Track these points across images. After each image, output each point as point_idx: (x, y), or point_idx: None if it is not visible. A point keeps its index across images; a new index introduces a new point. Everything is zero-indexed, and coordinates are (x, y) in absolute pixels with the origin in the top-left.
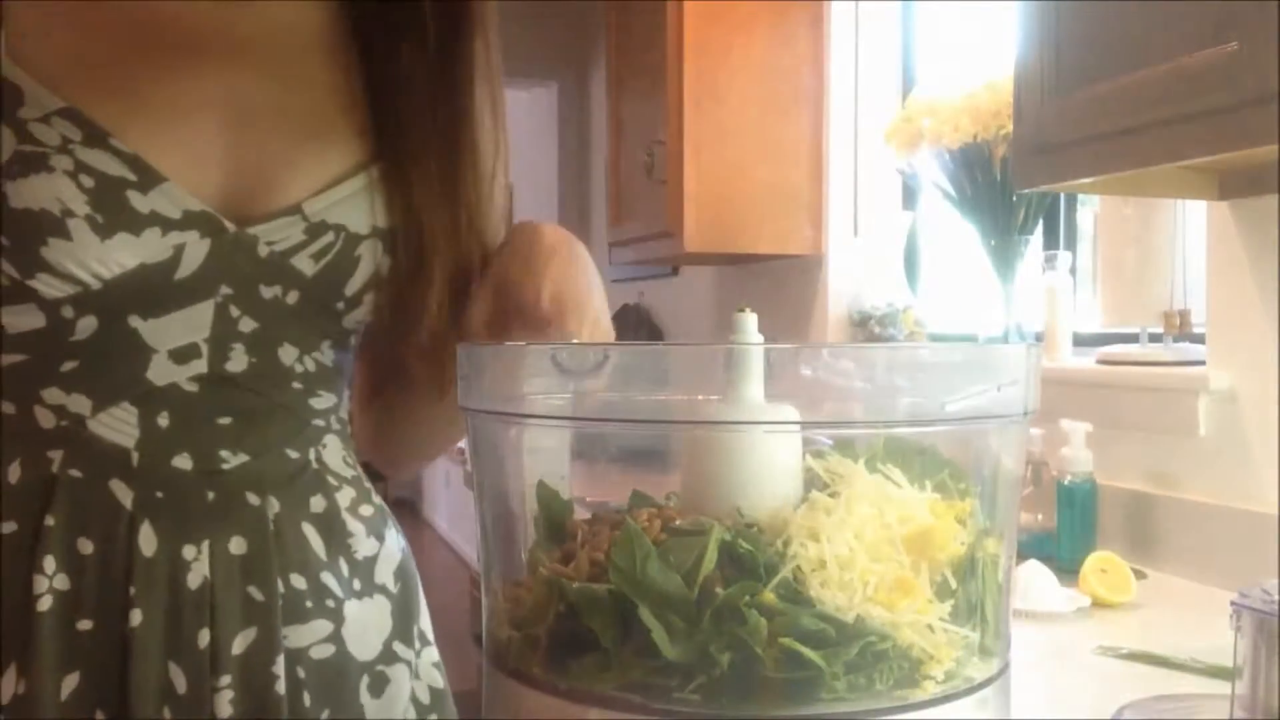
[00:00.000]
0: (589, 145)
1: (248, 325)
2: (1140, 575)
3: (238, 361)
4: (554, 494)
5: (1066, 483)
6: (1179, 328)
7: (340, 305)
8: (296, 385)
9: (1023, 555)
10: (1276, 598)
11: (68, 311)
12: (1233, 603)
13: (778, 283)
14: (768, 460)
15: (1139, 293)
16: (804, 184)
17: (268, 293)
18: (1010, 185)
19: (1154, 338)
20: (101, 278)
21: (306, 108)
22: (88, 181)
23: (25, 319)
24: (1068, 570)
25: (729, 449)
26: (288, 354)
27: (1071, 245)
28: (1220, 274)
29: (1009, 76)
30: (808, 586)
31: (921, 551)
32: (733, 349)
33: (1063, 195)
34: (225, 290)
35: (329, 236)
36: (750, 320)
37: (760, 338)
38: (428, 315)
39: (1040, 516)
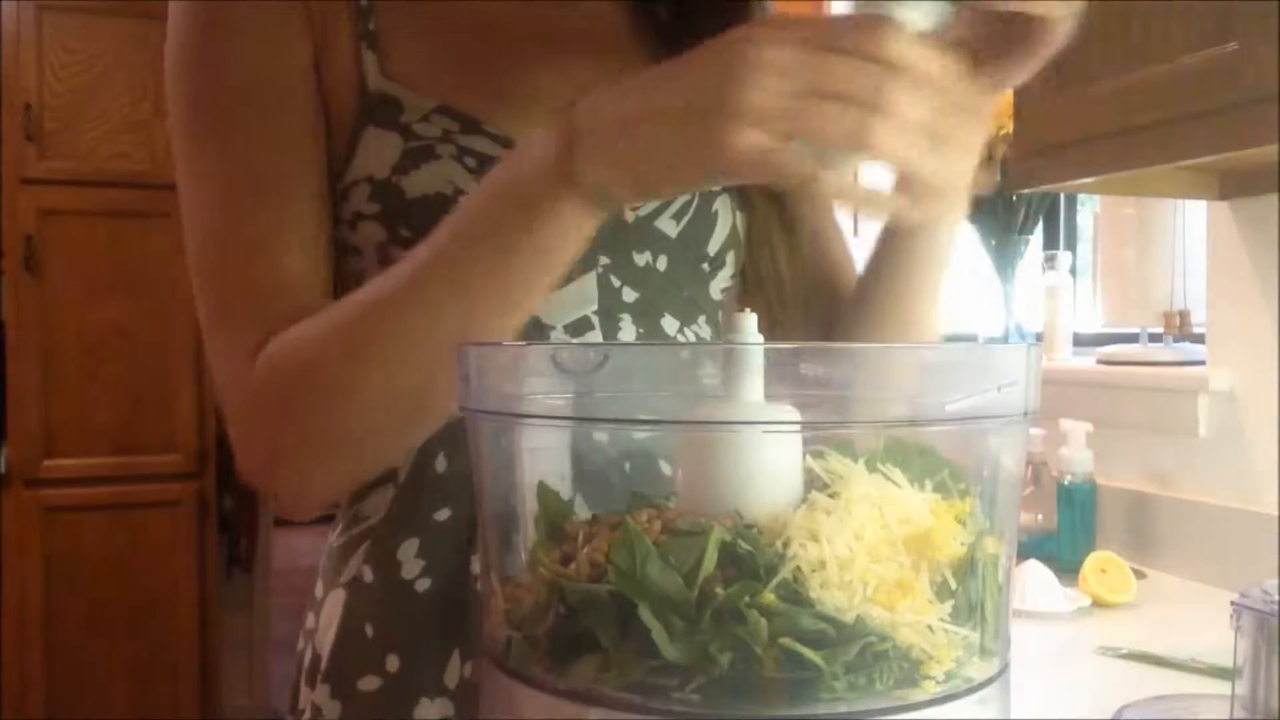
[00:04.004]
0: None
1: (629, 295)
2: (1140, 575)
3: (627, 333)
4: (554, 494)
5: (1066, 483)
6: (1179, 328)
7: (705, 266)
8: None
9: (1023, 555)
10: (1276, 598)
11: None
12: (1233, 603)
13: None
14: (767, 461)
15: (1139, 293)
16: None
17: (639, 259)
18: (1010, 185)
19: (1154, 338)
20: None
21: None
22: (471, 162)
23: None
24: (1068, 570)
25: (728, 449)
26: (670, 325)
27: (1071, 245)
28: (1220, 274)
29: None
30: (807, 587)
31: (921, 552)
32: (733, 349)
33: (1063, 195)
34: (604, 260)
35: (685, 195)
36: (750, 320)
37: (760, 338)
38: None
39: (1040, 516)
